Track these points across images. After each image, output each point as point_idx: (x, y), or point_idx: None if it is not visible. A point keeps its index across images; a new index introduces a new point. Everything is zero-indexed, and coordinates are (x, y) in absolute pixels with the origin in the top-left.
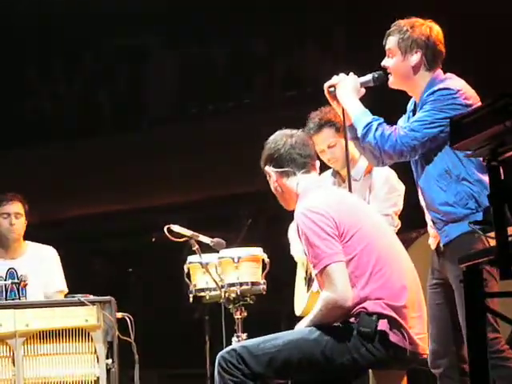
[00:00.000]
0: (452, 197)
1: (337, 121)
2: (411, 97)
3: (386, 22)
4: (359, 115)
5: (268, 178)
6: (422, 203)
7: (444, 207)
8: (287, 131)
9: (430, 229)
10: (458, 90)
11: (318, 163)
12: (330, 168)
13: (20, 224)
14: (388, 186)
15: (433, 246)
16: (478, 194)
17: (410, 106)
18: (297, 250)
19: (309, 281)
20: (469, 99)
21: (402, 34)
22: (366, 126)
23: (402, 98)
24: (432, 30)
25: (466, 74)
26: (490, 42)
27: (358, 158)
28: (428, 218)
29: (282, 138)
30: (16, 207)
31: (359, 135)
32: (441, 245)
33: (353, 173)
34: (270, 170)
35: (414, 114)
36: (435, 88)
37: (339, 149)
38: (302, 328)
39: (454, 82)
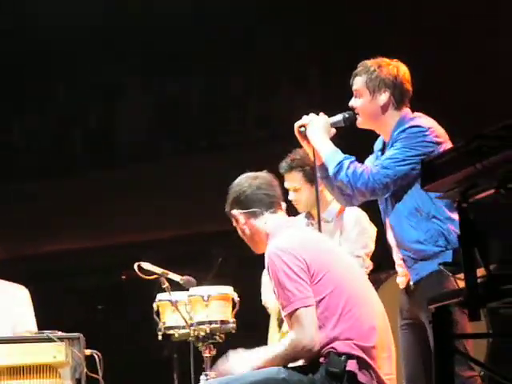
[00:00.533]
0: (422, 234)
1: (307, 167)
2: (379, 136)
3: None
4: (330, 154)
5: (235, 222)
6: (391, 241)
7: (414, 245)
8: (251, 174)
9: (399, 267)
10: (429, 128)
11: (283, 204)
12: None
13: None
14: (359, 228)
15: (402, 286)
16: (448, 232)
17: (377, 145)
18: (268, 297)
19: (281, 322)
20: (439, 137)
21: (370, 74)
22: (338, 164)
23: (372, 137)
24: (399, 69)
25: (435, 113)
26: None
27: (331, 201)
28: (396, 256)
29: (246, 181)
30: None
31: (331, 173)
32: (411, 283)
33: (325, 214)
34: (236, 212)
35: (382, 153)
36: (406, 126)
37: (304, 194)
38: (270, 368)
39: (424, 120)
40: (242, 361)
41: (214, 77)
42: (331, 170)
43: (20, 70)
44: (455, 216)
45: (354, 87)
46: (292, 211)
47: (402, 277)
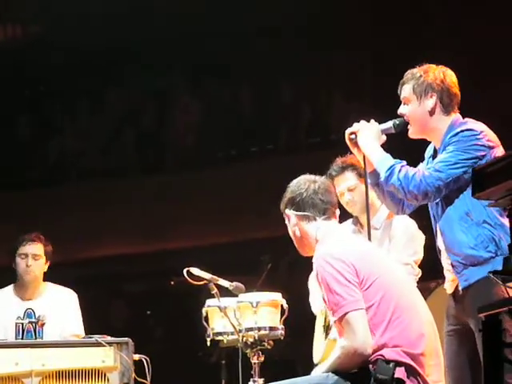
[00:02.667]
0: (473, 239)
1: (359, 166)
2: (429, 143)
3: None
4: (381, 160)
5: (287, 221)
6: (440, 246)
7: (464, 250)
8: (311, 176)
9: (447, 273)
10: (481, 132)
11: (338, 211)
12: (348, 214)
13: (37, 266)
14: (408, 235)
15: (449, 291)
16: (499, 238)
17: (428, 152)
18: (316, 303)
19: (327, 329)
20: (491, 141)
21: (416, 80)
22: (389, 168)
23: (423, 144)
24: (445, 74)
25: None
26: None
27: (379, 207)
28: (445, 261)
29: (305, 183)
30: (35, 248)
31: (382, 178)
32: (459, 288)
33: (373, 221)
34: (290, 212)
35: (433, 160)
36: (458, 130)
37: (358, 193)
38: (319, 374)
39: (476, 125)
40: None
41: (265, 84)
42: (383, 175)
43: (74, 70)
44: (506, 222)
45: (402, 95)
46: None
47: (450, 282)
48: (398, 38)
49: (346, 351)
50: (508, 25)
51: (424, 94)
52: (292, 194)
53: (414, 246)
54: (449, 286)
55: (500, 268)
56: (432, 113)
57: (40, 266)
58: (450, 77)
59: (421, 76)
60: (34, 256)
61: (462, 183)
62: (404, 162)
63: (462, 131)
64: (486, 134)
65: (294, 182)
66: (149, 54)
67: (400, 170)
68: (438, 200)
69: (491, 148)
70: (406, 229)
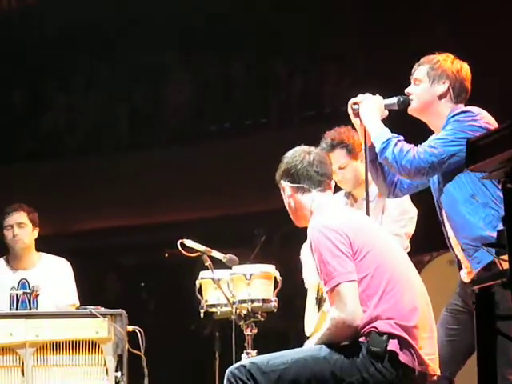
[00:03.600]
0: (481, 220)
1: (349, 142)
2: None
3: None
4: (379, 132)
5: (282, 192)
6: (450, 233)
7: (474, 232)
8: (306, 148)
9: (463, 262)
10: (479, 113)
11: (333, 183)
12: (341, 188)
13: (24, 233)
14: (401, 208)
15: (467, 280)
16: None
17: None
18: (308, 274)
19: (319, 301)
20: (489, 124)
21: (433, 64)
22: (386, 141)
23: (422, 125)
24: (462, 66)
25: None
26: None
27: (372, 180)
28: (459, 252)
29: (300, 154)
30: (18, 217)
31: (377, 150)
32: (474, 271)
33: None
34: (285, 184)
35: None
36: (457, 111)
37: (350, 171)
38: (312, 346)
39: (475, 108)
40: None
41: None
42: (378, 147)
43: (66, 46)
44: None
45: (415, 76)
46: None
47: (466, 271)
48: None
49: (335, 322)
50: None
51: (438, 79)
52: (287, 165)
53: (406, 219)
54: (465, 276)
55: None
56: (441, 97)
57: (27, 233)
58: (466, 71)
59: (438, 61)
60: (18, 224)
61: (460, 164)
62: (401, 137)
63: (460, 113)
64: (484, 117)
65: (289, 153)
66: (140, 29)
67: (396, 144)
68: (442, 186)
69: (485, 129)
70: (399, 202)
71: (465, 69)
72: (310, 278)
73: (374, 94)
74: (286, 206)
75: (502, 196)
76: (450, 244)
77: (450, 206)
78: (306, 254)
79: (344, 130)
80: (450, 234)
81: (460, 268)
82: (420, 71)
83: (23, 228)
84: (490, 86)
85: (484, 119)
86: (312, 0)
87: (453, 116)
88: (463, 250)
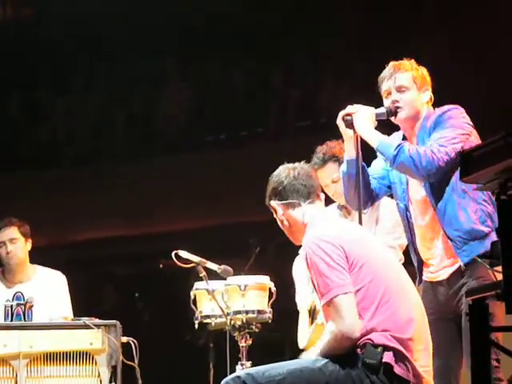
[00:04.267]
0: (472, 214)
1: (341, 156)
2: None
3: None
4: (384, 141)
5: (274, 213)
6: (420, 242)
7: (465, 225)
8: (289, 165)
9: (437, 263)
10: (464, 111)
11: (322, 195)
12: (333, 201)
13: (18, 249)
14: (394, 220)
15: (445, 276)
16: (493, 213)
17: (395, 140)
18: (300, 298)
19: (313, 313)
20: (470, 121)
21: (415, 71)
22: (397, 147)
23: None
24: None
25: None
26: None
27: None
28: (425, 252)
29: (284, 171)
30: (9, 233)
31: (389, 157)
32: (461, 265)
33: None
34: (274, 203)
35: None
36: (445, 109)
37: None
38: (307, 357)
39: (454, 105)
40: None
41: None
42: (390, 154)
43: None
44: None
45: (398, 83)
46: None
47: (441, 269)
48: (386, 24)
49: (334, 335)
50: None
51: (424, 86)
52: (273, 184)
53: (400, 230)
54: (443, 273)
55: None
56: (424, 105)
57: (20, 247)
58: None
59: (417, 68)
60: (10, 241)
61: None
62: (408, 142)
63: (448, 110)
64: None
65: (274, 173)
66: (140, 36)
67: (409, 149)
68: (433, 182)
69: (472, 127)
70: (393, 213)
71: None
72: (302, 301)
73: (365, 104)
74: (280, 225)
75: (490, 193)
76: (415, 247)
77: (443, 200)
78: (297, 271)
79: (335, 144)
80: (418, 235)
81: (420, 272)
82: (403, 78)
83: (15, 243)
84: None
85: (467, 117)
86: (311, 7)
87: (443, 113)
88: (452, 241)
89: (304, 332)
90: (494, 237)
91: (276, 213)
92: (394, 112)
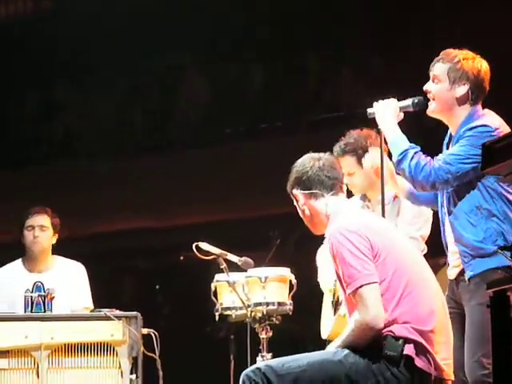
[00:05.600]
0: (482, 233)
1: (360, 150)
2: (446, 127)
3: (422, 48)
4: (396, 140)
5: (295, 202)
6: (448, 238)
7: (473, 243)
8: (315, 154)
9: (452, 259)
10: (496, 129)
11: (345, 186)
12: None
13: (45, 237)
14: (415, 210)
15: (452, 276)
16: (507, 232)
17: (446, 138)
18: (324, 278)
19: (336, 304)
20: None
21: (454, 64)
22: (402, 152)
23: (438, 127)
24: (482, 66)
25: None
26: None
27: (387, 183)
28: (451, 249)
29: (309, 161)
30: (41, 220)
31: (394, 160)
32: (465, 277)
33: (380, 197)
34: (297, 192)
35: (447, 147)
36: (473, 124)
37: (358, 178)
38: (327, 349)
39: (492, 120)
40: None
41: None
42: (395, 157)
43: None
44: None
45: (434, 72)
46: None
47: (454, 267)
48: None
49: (359, 324)
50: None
51: (458, 80)
52: (297, 173)
53: (421, 221)
54: (453, 272)
55: (506, 262)
56: (460, 101)
57: (47, 237)
58: (486, 70)
59: (459, 61)
60: (40, 227)
61: (473, 177)
62: (418, 148)
63: (478, 126)
64: (502, 131)
65: (299, 161)
66: (156, 30)
67: (413, 157)
68: (449, 194)
69: None
70: (414, 204)
71: (484, 68)
72: (326, 280)
73: (388, 97)
74: (301, 215)
75: (505, 211)
76: (446, 244)
77: (455, 215)
78: (321, 259)
79: (362, 136)
80: (449, 239)
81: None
82: (440, 68)
83: (44, 231)
84: None
85: (501, 134)
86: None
87: (470, 129)
88: (460, 255)
89: (327, 322)
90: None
91: (297, 201)
92: (422, 103)
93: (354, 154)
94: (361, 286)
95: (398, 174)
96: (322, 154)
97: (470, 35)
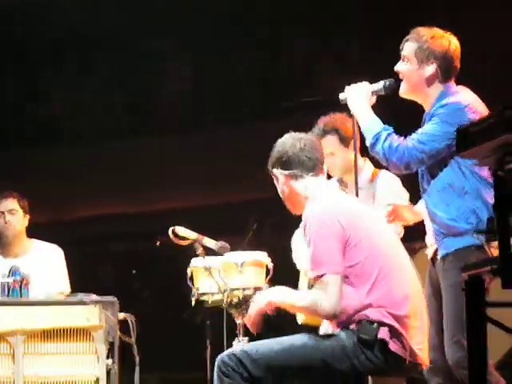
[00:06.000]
0: (454, 211)
1: (342, 129)
2: (421, 106)
3: (401, 32)
4: (369, 124)
5: (275, 181)
6: (426, 216)
7: (445, 220)
8: (295, 134)
9: (429, 238)
10: (468, 105)
11: (325, 167)
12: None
13: (16, 220)
14: (392, 192)
15: (429, 256)
16: (480, 210)
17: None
18: (299, 260)
19: (311, 288)
20: (477, 113)
21: (421, 43)
22: (375, 135)
23: (411, 108)
24: (451, 43)
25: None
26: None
27: (363, 167)
28: (429, 228)
29: (290, 141)
30: (9, 204)
31: (368, 144)
32: (438, 256)
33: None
34: (277, 172)
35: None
36: (444, 101)
37: (339, 158)
38: (301, 335)
39: (465, 96)
40: (262, 293)
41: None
42: (368, 141)
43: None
44: (488, 195)
45: (403, 52)
46: None
47: (431, 247)
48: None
49: (314, 303)
50: None
51: (425, 59)
52: (278, 153)
53: (398, 203)
54: (430, 252)
55: (477, 241)
56: (429, 80)
57: (18, 219)
58: (455, 47)
59: (426, 40)
60: (9, 211)
61: (446, 155)
62: (391, 130)
63: (449, 104)
64: (473, 107)
65: (280, 141)
66: (141, 17)
67: (385, 139)
68: (422, 170)
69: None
70: (390, 187)
71: (453, 45)
72: (301, 260)
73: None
74: (280, 194)
75: (478, 188)
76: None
77: (428, 193)
78: (297, 240)
79: (338, 117)
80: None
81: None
82: (408, 48)
83: (14, 214)
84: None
85: (472, 109)
86: None
87: (442, 106)
88: (434, 233)
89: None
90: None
91: (277, 181)
92: (394, 86)
93: (336, 133)
94: (324, 274)
95: (373, 157)
96: (302, 135)
97: (470, 35)
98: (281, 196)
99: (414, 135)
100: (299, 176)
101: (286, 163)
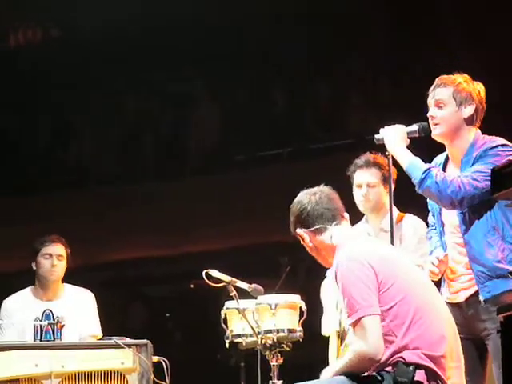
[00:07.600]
0: (499, 252)
1: (384, 169)
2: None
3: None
4: (414, 162)
5: (302, 241)
6: (454, 257)
7: (491, 262)
8: (309, 190)
9: (459, 281)
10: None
11: (347, 214)
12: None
13: (61, 266)
14: (418, 236)
15: (462, 299)
16: None
17: (439, 160)
18: (329, 323)
19: (342, 334)
20: None
21: (458, 86)
22: (425, 171)
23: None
24: (481, 87)
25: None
26: None
27: (388, 210)
28: (458, 271)
29: (305, 198)
30: (59, 249)
31: (416, 180)
32: (481, 299)
33: (383, 224)
34: (301, 232)
35: (444, 169)
36: (494, 144)
37: (375, 193)
38: (338, 377)
39: (502, 140)
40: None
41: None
42: (416, 177)
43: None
44: None
45: (437, 97)
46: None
47: (463, 290)
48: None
49: (357, 355)
50: None
51: (464, 101)
52: (296, 212)
53: (424, 247)
54: (461, 295)
55: None
56: (467, 121)
57: (63, 266)
58: (484, 91)
59: (461, 83)
60: (58, 256)
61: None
62: (439, 167)
63: (500, 145)
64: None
65: (295, 201)
66: (167, 58)
67: (437, 175)
68: (466, 213)
69: None
70: (416, 230)
71: (482, 89)
72: (329, 326)
73: (395, 123)
74: (310, 252)
75: None
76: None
77: (472, 234)
78: (325, 294)
79: (380, 156)
80: (458, 261)
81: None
82: (442, 93)
83: (61, 261)
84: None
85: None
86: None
87: (491, 148)
88: (476, 276)
89: (333, 356)
90: None
91: (303, 240)
92: (427, 129)
93: (381, 169)
94: (361, 318)
95: (421, 193)
96: (316, 188)
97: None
98: (311, 254)
99: (466, 173)
100: (323, 229)
101: (306, 220)
